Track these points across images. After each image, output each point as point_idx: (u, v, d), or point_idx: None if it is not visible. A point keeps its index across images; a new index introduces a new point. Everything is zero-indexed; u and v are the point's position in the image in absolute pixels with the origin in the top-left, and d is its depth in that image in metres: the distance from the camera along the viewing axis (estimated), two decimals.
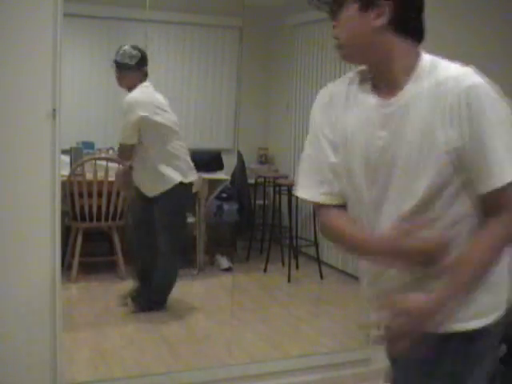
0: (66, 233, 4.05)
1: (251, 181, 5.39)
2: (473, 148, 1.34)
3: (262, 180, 5.41)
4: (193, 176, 3.98)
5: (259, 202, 5.48)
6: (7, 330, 2.72)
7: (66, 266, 4.04)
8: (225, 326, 3.72)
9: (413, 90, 1.38)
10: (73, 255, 4.15)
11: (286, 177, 5.58)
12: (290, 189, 5.07)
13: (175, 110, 5.33)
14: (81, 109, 4.61)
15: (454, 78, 1.35)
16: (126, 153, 3.79)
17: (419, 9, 1.41)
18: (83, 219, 4.21)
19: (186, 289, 4.51)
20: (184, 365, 3.30)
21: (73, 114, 4.24)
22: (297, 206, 5.04)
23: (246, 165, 5.38)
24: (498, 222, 1.37)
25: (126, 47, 3.73)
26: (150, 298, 3.97)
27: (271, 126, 5.95)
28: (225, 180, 5.12)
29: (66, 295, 3.47)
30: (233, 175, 5.27)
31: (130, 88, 3.73)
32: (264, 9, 5.03)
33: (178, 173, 3.85)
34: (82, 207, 4.20)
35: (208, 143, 5.49)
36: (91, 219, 4.22)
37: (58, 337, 2.78)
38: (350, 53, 1.43)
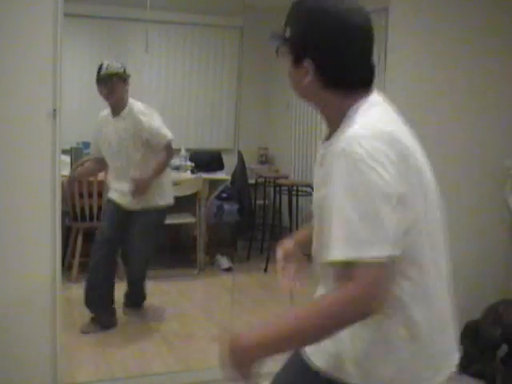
0: (67, 233, 4.05)
1: (251, 181, 5.39)
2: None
3: (263, 180, 5.41)
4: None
5: (259, 201, 5.48)
6: (7, 329, 2.72)
7: (66, 266, 4.05)
8: (225, 326, 3.72)
9: (334, 141, 1.37)
10: (73, 255, 4.16)
11: (287, 177, 5.59)
12: (290, 189, 5.07)
13: (176, 110, 5.37)
14: (81, 109, 4.62)
15: (341, 138, 1.33)
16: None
17: (348, 62, 1.39)
18: (83, 219, 4.21)
19: (186, 289, 4.51)
20: (184, 365, 3.31)
21: (73, 114, 4.25)
22: (297, 206, 5.05)
23: (247, 165, 5.38)
24: (332, 293, 1.31)
25: (109, 61, 3.60)
26: (132, 299, 3.97)
27: (271, 126, 5.95)
28: (225, 180, 5.12)
29: (67, 295, 3.47)
30: (233, 175, 5.27)
31: (122, 101, 3.61)
32: (264, 8, 5.03)
33: (170, 193, 3.82)
34: (82, 207, 4.20)
35: (208, 143, 5.50)
36: (91, 219, 4.23)
37: (58, 337, 2.78)
38: (298, 97, 1.48)
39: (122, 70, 3.58)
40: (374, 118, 1.36)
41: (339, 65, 1.38)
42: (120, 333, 3.69)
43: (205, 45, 5.41)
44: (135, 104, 3.64)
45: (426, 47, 3.30)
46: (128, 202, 3.66)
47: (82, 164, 4.17)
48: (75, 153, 4.33)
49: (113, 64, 3.57)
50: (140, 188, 3.61)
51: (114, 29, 4.85)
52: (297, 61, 1.41)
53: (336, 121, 1.41)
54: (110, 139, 3.65)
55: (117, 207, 3.71)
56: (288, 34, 1.43)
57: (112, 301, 3.74)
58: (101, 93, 3.58)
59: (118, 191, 3.70)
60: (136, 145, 3.60)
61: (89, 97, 4.66)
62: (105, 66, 3.55)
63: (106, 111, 3.69)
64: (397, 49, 3.24)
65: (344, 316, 1.24)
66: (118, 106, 3.61)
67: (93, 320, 3.66)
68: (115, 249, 3.75)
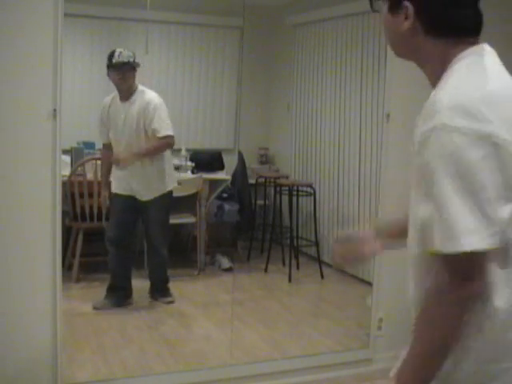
0: (67, 233, 4.05)
1: (252, 181, 5.39)
2: None
3: (263, 180, 5.40)
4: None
5: (260, 202, 5.48)
6: (7, 329, 2.72)
7: (66, 266, 4.04)
8: (225, 326, 3.72)
9: (432, 97, 1.25)
10: (73, 255, 4.16)
11: (287, 177, 5.58)
12: (290, 189, 5.07)
13: (176, 109, 5.36)
14: (81, 109, 4.61)
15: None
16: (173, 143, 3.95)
17: (455, 2, 1.25)
18: (84, 219, 4.21)
19: (186, 289, 4.51)
20: (184, 365, 3.31)
21: (73, 113, 4.24)
22: (297, 206, 5.04)
23: (247, 165, 5.38)
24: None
25: (121, 49, 3.81)
26: (157, 290, 4.14)
27: (272, 125, 5.95)
28: (225, 180, 5.12)
29: (67, 295, 3.47)
30: (233, 175, 5.27)
31: (131, 87, 3.82)
32: (264, 9, 5.03)
33: (173, 176, 4.07)
34: (82, 207, 4.20)
35: (209, 143, 5.49)
36: (92, 219, 4.22)
37: (58, 337, 2.78)
38: (395, 52, 1.37)
39: (133, 58, 3.80)
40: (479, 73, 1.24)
41: (443, 4, 1.25)
42: (120, 333, 3.69)
43: (205, 45, 5.40)
44: (147, 92, 3.86)
45: None
46: (139, 191, 3.91)
47: (82, 164, 4.17)
48: (75, 153, 4.33)
49: (124, 52, 3.80)
50: (124, 159, 3.83)
51: (114, 29, 4.84)
52: (394, 5, 1.29)
53: (432, 74, 1.29)
54: (117, 123, 3.85)
55: (124, 200, 3.93)
56: None
57: (129, 279, 4.01)
58: (112, 79, 3.80)
59: (121, 180, 3.92)
60: (139, 131, 3.81)
61: (89, 97, 4.67)
62: (117, 54, 3.78)
63: (110, 97, 3.88)
64: None
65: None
66: (127, 92, 3.82)
67: (106, 297, 3.90)
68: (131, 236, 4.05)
